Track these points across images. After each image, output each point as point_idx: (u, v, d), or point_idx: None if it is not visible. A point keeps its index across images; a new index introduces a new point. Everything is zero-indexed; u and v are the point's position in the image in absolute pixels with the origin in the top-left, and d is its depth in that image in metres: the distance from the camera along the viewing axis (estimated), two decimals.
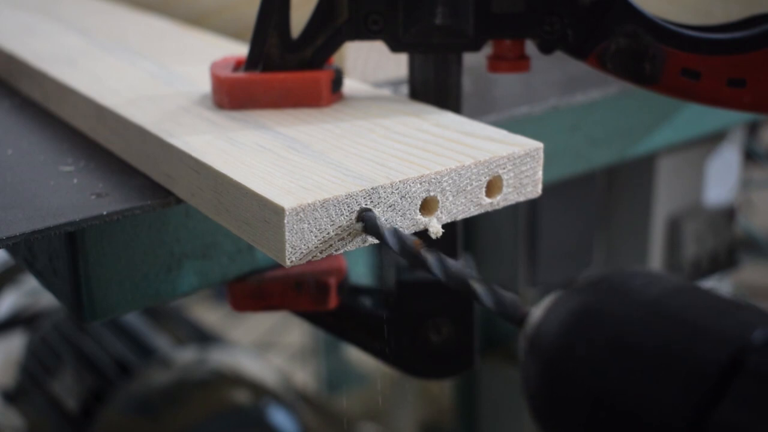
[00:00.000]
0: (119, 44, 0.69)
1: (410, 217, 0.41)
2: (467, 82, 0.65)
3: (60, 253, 0.52)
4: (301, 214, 0.38)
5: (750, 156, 1.06)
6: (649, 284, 0.30)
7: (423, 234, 0.42)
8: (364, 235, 0.40)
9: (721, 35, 0.48)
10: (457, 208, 0.43)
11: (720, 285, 1.00)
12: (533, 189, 0.45)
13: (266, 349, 1.82)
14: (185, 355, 1.14)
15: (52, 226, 0.44)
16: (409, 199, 0.41)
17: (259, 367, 1.19)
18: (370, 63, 0.64)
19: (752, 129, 1.11)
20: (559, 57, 0.50)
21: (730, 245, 0.97)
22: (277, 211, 0.38)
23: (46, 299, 1.35)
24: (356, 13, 0.49)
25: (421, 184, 0.41)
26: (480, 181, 0.43)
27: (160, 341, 1.18)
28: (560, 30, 0.49)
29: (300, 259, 0.39)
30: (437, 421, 1.41)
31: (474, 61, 0.59)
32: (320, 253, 0.39)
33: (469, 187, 0.43)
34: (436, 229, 0.42)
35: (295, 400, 1.22)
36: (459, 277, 0.36)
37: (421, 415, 1.41)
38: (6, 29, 0.75)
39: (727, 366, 0.26)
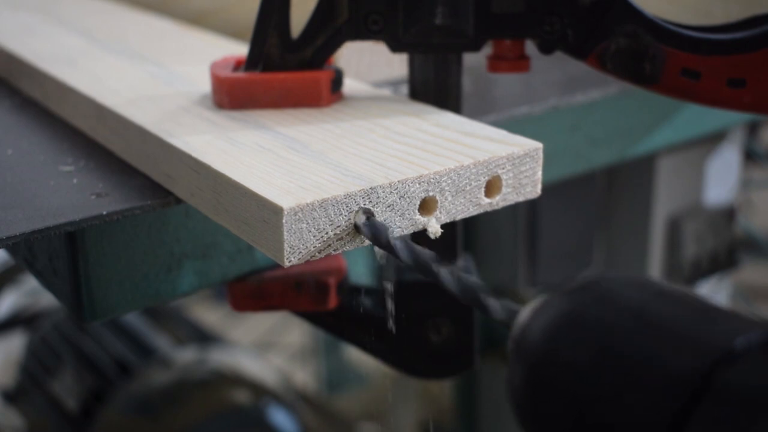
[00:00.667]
0: (119, 44, 0.69)
1: (409, 217, 0.41)
2: (467, 82, 0.65)
3: (60, 253, 0.52)
4: (300, 214, 0.38)
5: (750, 156, 1.06)
6: (637, 289, 0.29)
7: (422, 234, 0.42)
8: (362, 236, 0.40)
9: (721, 35, 0.48)
10: (456, 208, 0.43)
11: (720, 285, 1.00)
12: (533, 189, 0.45)
13: (266, 349, 1.82)
14: (185, 355, 1.14)
15: (52, 226, 0.44)
16: (407, 199, 0.41)
17: (259, 367, 1.19)
18: (363, 63, 0.64)
19: (752, 129, 1.11)
20: (559, 57, 0.50)
21: (730, 245, 0.97)
22: (276, 211, 0.38)
23: (46, 299, 1.34)
24: (356, 13, 0.49)
25: (419, 184, 0.41)
26: (479, 181, 0.43)
27: (160, 341, 1.18)
28: (560, 30, 0.49)
29: (299, 259, 0.39)
30: (437, 421, 1.41)
31: (474, 61, 0.59)
32: (319, 253, 0.39)
33: (468, 188, 0.43)
34: (435, 229, 0.42)
35: (295, 400, 1.22)
36: (467, 285, 0.36)
37: (421, 415, 1.41)
38: (6, 29, 0.75)
39: (699, 382, 0.25)
